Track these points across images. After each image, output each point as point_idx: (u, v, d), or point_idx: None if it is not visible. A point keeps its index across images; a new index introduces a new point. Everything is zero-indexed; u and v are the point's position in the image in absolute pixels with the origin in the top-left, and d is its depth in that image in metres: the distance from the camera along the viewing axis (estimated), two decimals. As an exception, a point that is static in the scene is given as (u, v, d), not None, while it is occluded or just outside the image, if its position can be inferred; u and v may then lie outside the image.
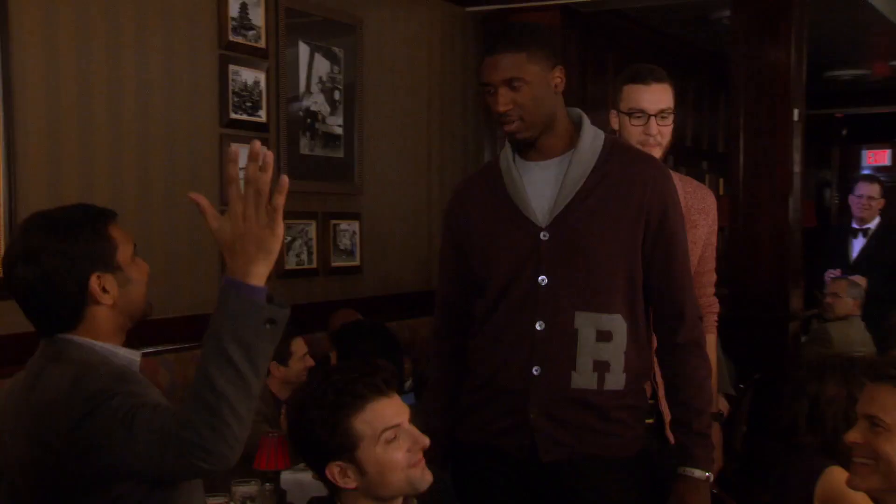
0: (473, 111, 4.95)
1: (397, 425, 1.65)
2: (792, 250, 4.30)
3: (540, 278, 1.96)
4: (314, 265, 3.96)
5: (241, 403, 1.42)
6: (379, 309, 4.15)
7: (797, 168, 4.31)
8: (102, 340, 1.62)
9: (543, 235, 1.96)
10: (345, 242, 4.13)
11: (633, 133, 2.35)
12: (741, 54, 4.36)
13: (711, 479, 1.99)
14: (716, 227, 2.46)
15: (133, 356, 1.65)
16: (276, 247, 1.42)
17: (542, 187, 1.99)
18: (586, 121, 2.04)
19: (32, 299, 1.60)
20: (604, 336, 1.95)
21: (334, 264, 4.07)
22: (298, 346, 3.20)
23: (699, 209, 2.42)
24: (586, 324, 1.94)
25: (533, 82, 1.94)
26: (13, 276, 1.60)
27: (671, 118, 2.37)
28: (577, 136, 2.00)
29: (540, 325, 1.95)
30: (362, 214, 4.22)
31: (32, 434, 1.55)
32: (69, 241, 1.58)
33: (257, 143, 1.45)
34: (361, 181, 4.19)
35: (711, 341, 2.43)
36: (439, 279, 2.20)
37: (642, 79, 2.36)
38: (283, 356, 3.16)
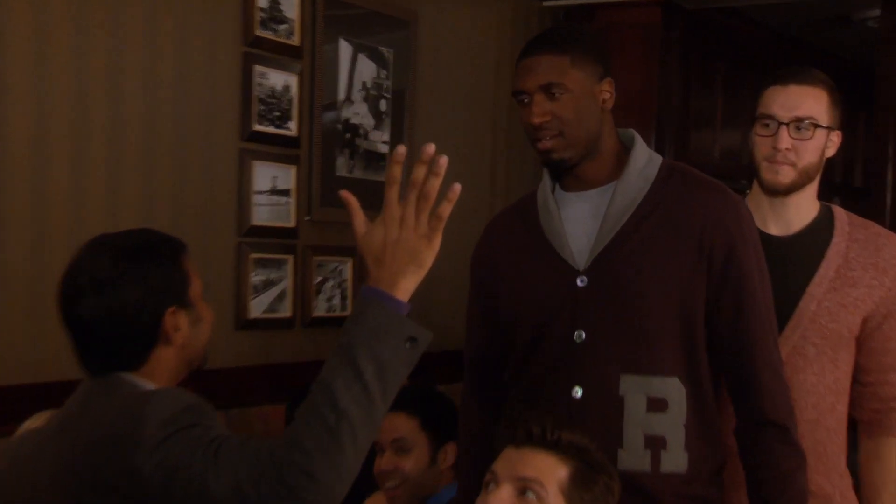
0: (550, 128, 4.95)
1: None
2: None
3: (577, 333, 1.97)
4: (348, 312, 3.96)
5: (363, 429, 1.47)
6: (426, 368, 4.13)
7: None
8: (160, 385, 1.69)
9: (581, 281, 1.97)
10: (387, 286, 4.14)
11: (761, 146, 2.28)
12: (892, 64, 4.30)
13: None
14: None
15: None
16: (430, 261, 1.56)
17: (581, 223, 2.01)
18: (639, 143, 2.05)
19: (98, 334, 1.67)
20: (657, 405, 1.94)
21: (373, 313, 4.07)
22: None
23: (867, 264, 2.31)
24: (634, 389, 1.94)
25: (576, 92, 1.96)
26: (78, 308, 1.67)
27: (815, 133, 2.26)
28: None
29: (577, 392, 1.96)
30: (409, 252, 4.23)
31: (81, 480, 1.57)
32: (148, 270, 1.67)
33: (431, 147, 1.58)
34: (409, 211, 4.20)
35: (892, 447, 2.36)
36: (466, 333, 2.23)
37: (781, 79, 2.29)
38: None
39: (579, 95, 1.96)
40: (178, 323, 1.68)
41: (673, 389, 1.95)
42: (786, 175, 2.27)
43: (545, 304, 2.00)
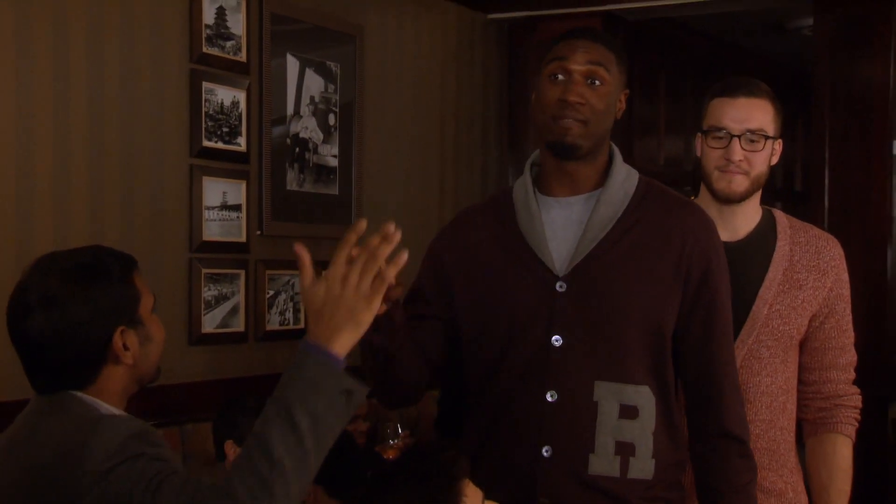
0: (496, 138, 4.99)
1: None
2: (891, 315, 4.28)
3: (553, 338, 1.97)
4: (301, 325, 3.96)
5: (296, 479, 1.49)
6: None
7: (897, 212, 4.32)
8: (108, 404, 1.68)
9: (560, 286, 1.98)
10: (339, 298, 4.14)
11: (712, 157, 2.33)
12: (826, 71, 4.38)
13: None
14: (842, 292, 2.40)
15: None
16: (368, 320, 1.58)
17: (563, 229, 2.02)
18: (618, 156, 2.09)
19: (46, 353, 1.66)
20: (628, 412, 1.97)
21: (326, 325, 4.07)
22: None
23: (810, 266, 2.37)
24: (608, 396, 1.96)
25: (611, 88, 2.01)
26: (26, 327, 1.66)
27: (765, 144, 2.32)
28: (608, 173, 2.05)
29: (551, 396, 1.97)
30: (360, 264, 4.23)
31: (24, 503, 1.57)
32: (97, 289, 1.66)
33: (391, 226, 1.64)
34: (360, 223, 4.20)
35: (844, 445, 2.40)
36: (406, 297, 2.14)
37: (730, 91, 2.34)
38: (242, 436, 3.16)
39: (611, 92, 2.00)
40: (127, 342, 1.68)
41: (644, 398, 1.97)
42: (739, 184, 2.32)
43: (521, 306, 2.00)
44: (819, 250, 2.39)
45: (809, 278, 2.36)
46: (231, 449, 3.18)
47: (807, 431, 2.44)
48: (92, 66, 3.23)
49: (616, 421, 1.96)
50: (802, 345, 2.40)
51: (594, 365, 1.97)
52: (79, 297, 1.65)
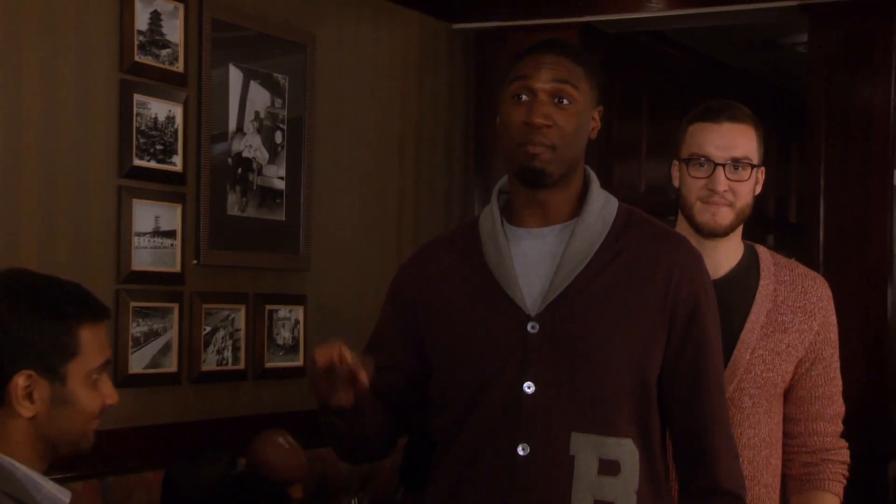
0: (461, 160, 4.99)
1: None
2: (892, 361, 4.30)
3: (525, 385, 1.96)
4: (241, 365, 3.94)
5: None
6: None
7: (900, 247, 4.36)
8: (17, 460, 1.63)
9: (532, 327, 1.97)
10: (284, 336, 4.12)
11: (694, 187, 2.33)
12: (822, 91, 4.43)
13: None
14: (830, 335, 2.40)
15: (60, 496, 1.67)
16: None
17: (535, 263, 2.01)
18: (595, 181, 2.08)
19: None
20: (609, 467, 1.95)
21: (269, 365, 4.05)
22: None
23: (795, 307, 2.38)
24: (585, 449, 1.94)
25: (581, 107, 2.00)
26: None
27: (751, 172, 2.33)
28: (584, 200, 2.04)
29: (523, 450, 1.95)
30: (309, 298, 4.22)
31: None
32: (20, 318, 1.61)
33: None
34: (309, 253, 4.19)
35: (825, 502, 2.40)
36: (367, 345, 2.16)
37: (712, 115, 2.34)
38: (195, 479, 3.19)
39: (582, 111, 1.99)
40: (33, 391, 1.62)
41: (626, 452, 1.95)
42: (724, 216, 2.33)
43: (490, 350, 1.98)
44: (805, 290, 2.40)
45: (795, 320, 2.37)
46: None
47: (791, 488, 2.45)
48: (7, 74, 3.20)
49: (595, 477, 1.94)
50: (787, 394, 2.41)
51: (570, 414, 1.95)
52: None
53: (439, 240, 2.21)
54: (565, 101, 1.97)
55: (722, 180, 2.30)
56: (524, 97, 1.98)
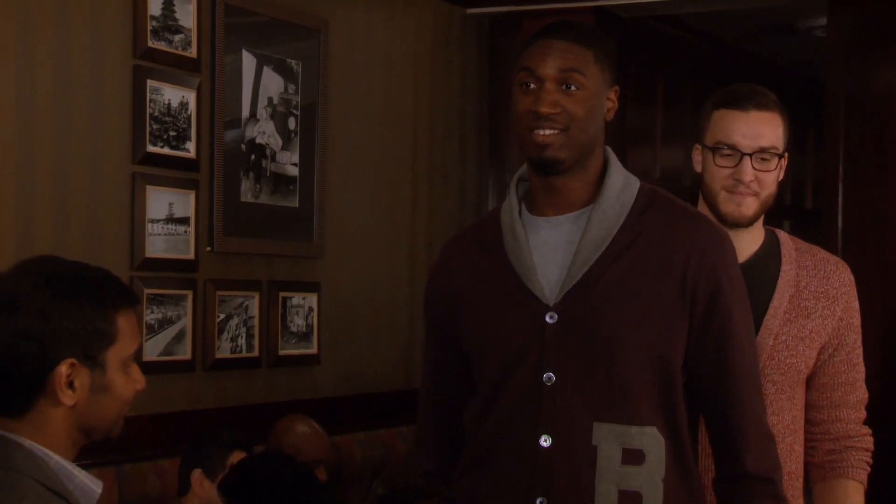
0: (474, 147, 4.99)
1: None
2: (911, 346, 4.30)
3: (545, 376, 1.96)
4: (255, 353, 3.95)
5: None
6: (341, 414, 4.12)
7: (920, 233, 4.34)
8: (51, 449, 1.63)
9: (550, 318, 1.97)
10: (298, 323, 4.12)
11: (718, 176, 2.32)
12: (840, 76, 4.42)
13: None
14: (853, 321, 2.41)
15: (92, 486, 1.68)
16: None
17: (551, 252, 2.01)
18: (614, 162, 2.06)
19: None
20: (633, 457, 1.95)
21: (283, 352, 4.05)
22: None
23: (818, 293, 2.37)
24: (608, 439, 1.94)
25: (591, 90, 1.99)
26: None
27: (777, 162, 2.32)
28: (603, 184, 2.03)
29: (545, 441, 1.96)
30: (323, 285, 4.22)
31: None
32: (62, 307, 1.61)
33: None
34: (322, 240, 4.20)
35: (856, 492, 2.40)
36: (423, 372, 2.22)
37: (738, 103, 2.32)
38: (213, 468, 3.20)
39: (593, 95, 1.98)
40: (75, 380, 1.63)
41: (651, 440, 1.95)
42: (749, 207, 2.32)
43: (511, 342, 1.99)
44: (828, 275, 2.40)
45: (818, 306, 2.36)
46: (198, 479, 3.19)
47: (814, 476, 2.44)
48: (21, 61, 3.21)
49: (619, 467, 1.94)
50: (809, 381, 2.40)
51: (591, 404, 1.95)
52: (36, 306, 1.61)
53: (461, 235, 2.23)
54: (573, 87, 1.97)
55: (748, 170, 2.29)
56: (531, 85, 1.98)
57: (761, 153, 2.30)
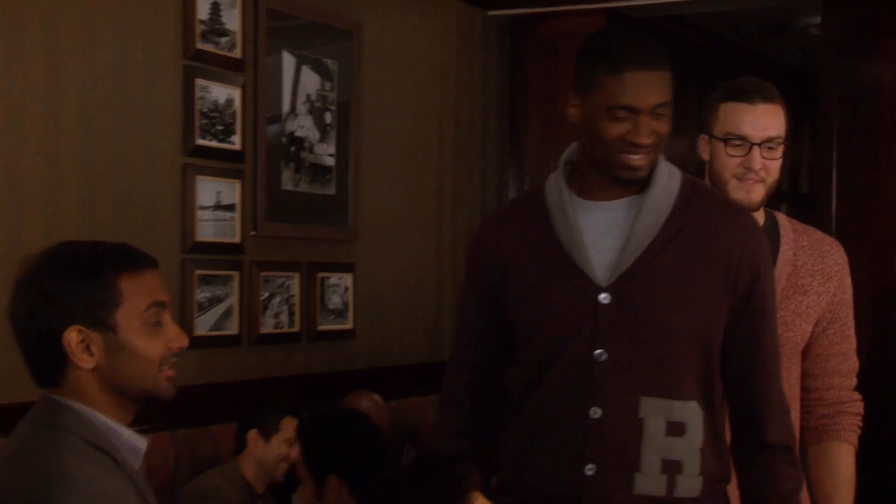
0: (496, 139, 4.99)
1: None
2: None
3: (597, 352, 1.94)
4: (296, 328, 3.98)
5: None
6: (375, 384, 4.15)
7: (908, 218, 4.31)
8: (98, 410, 1.64)
9: (603, 298, 1.94)
10: (335, 301, 4.15)
11: (729, 165, 2.31)
12: (834, 71, 4.39)
13: None
14: (846, 296, 2.41)
15: (138, 444, 1.68)
16: None
17: (604, 236, 1.97)
18: (661, 154, 2.02)
19: (18, 341, 1.66)
20: (675, 429, 1.94)
21: (321, 328, 4.08)
22: (289, 427, 3.29)
23: (814, 271, 2.38)
24: (654, 413, 1.94)
25: (671, 108, 1.95)
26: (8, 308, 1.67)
27: (781, 150, 2.32)
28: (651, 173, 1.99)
29: (595, 413, 1.94)
30: (357, 266, 4.25)
31: None
32: (58, 281, 1.62)
33: None
34: (357, 225, 4.22)
35: (847, 453, 2.41)
36: (456, 336, 2.17)
37: (746, 96, 2.31)
38: (269, 428, 3.27)
39: (672, 112, 1.95)
40: (89, 344, 1.62)
41: (692, 413, 1.95)
42: (757, 193, 2.31)
43: (562, 319, 1.95)
44: (823, 254, 2.40)
45: (814, 283, 2.37)
46: (254, 438, 3.25)
47: (809, 439, 2.45)
48: (84, 63, 3.23)
49: (663, 438, 1.94)
50: (805, 351, 2.41)
51: (640, 380, 1.93)
52: (36, 285, 1.63)
53: (507, 209, 2.19)
54: (661, 112, 1.92)
55: (758, 159, 2.29)
56: (621, 115, 1.90)
57: (769, 142, 2.29)
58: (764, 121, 2.30)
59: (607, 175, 1.97)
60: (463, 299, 2.17)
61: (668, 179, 1.99)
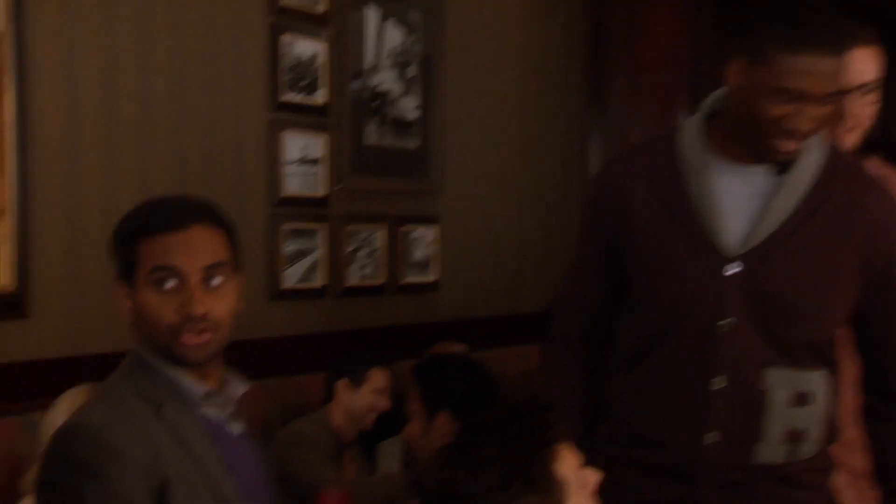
0: (577, 93, 4.96)
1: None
2: None
3: (721, 322, 1.89)
4: (381, 281, 4.02)
5: None
6: (459, 335, 4.18)
7: None
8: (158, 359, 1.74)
9: (733, 268, 1.88)
10: (419, 253, 4.19)
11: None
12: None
13: None
14: None
15: (196, 390, 1.73)
16: None
17: (740, 203, 1.89)
18: None
19: None
20: (802, 399, 1.91)
21: (406, 280, 4.13)
22: (377, 377, 3.37)
23: None
24: (780, 384, 1.90)
25: (842, 96, 1.90)
26: None
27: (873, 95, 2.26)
28: None
29: (718, 383, 1.90)
30: (441, 218, 4.28)
31: None
32: (112, 238, 1.78)
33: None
34: (440, 177, 4.24)
35: None
36: (570, 274, 2.11)
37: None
38: (358, 377, 3.34)
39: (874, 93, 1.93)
40: (126, 300, 1.73)
41: (818, 383, 1.92)
42: (851, 139, 2.28)
43: (688, 284, 1.89)
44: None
45: None
46: (343, 386, 3.33)
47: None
48: (173, 22, 3.29)
49: (787, 409, 1.90)
50: None
51: (765, 352, 1.89)
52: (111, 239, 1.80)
53: (634, 153, 2.06)
54: (832, 99, 1.80)
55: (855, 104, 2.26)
56: (790, 100, 1.77)
57: (863, 88, 2.25)
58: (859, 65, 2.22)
59: (752, 151, 1.87)
60: (579, 239, 2.09)
61: (814, 155, 1.90)
